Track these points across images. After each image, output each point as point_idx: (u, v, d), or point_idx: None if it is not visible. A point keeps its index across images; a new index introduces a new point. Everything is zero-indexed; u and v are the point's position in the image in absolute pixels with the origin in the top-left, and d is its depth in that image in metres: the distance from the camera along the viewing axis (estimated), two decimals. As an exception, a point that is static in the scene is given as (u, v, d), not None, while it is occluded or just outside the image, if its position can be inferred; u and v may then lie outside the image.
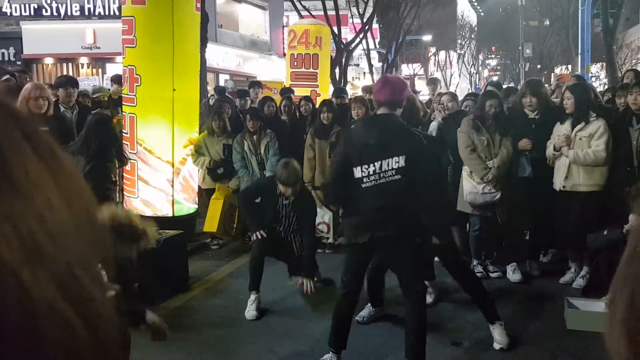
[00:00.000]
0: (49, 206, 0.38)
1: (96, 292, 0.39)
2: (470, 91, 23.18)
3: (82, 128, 5.81)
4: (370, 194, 3.46)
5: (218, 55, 19.43)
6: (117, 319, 0.42)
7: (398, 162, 3.39)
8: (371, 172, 3.45)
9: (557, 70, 38.14)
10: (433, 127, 5.96)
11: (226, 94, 9.97)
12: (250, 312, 4.69)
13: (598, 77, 26.97)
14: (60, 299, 0.36)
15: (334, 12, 18.20)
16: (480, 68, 52.59)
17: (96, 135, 4.72)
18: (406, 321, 3.69)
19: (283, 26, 24.74)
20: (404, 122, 3.62)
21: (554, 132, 5.26)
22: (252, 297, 4.77)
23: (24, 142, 0.39)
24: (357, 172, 3.51)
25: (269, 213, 4.90)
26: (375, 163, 3.44)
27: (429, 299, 4.87)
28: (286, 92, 9.20)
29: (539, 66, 42.37)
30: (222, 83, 15.66)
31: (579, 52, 25.15)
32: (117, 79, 7.97)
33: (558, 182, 5.17)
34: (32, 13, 17.45)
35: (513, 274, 5.47)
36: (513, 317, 4.62)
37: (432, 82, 8.17)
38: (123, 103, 6.66)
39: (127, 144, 6.59)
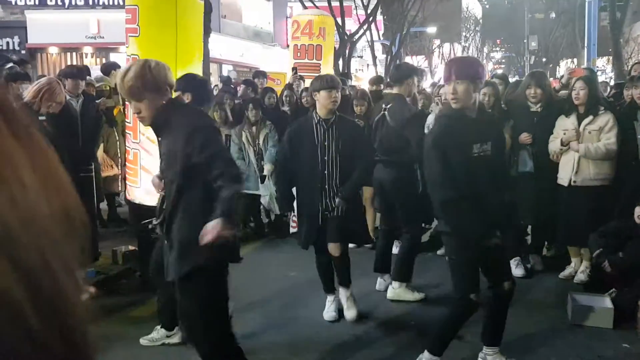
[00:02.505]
0: (22, 187, 0.35)
1: (70, 290, 0.36)
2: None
3: (86, 116, 5.81)
4: (484, 185, 3.38)
5: (221, 46, 19.36)
6: (88, 322, 0.39)
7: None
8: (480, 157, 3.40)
9: (563, 64, 37.93)
10: (430, 120, 5.70)
11: (230, 84, 9.96)
12: (329, 313, 4.53)
13: (604, 71, 26.80)
14: (18, 289, 0.33)
15: (337, 4, 18.11)
16: (485, 61, 52.32)
17: None
18: (490, 309, 3.59)
19: (287, 17, 24.63)
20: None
21: (557, 126, 5.21)
22: (330, 298, 4.58)
23: None
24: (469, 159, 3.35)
25: (306, 152, 4.31)
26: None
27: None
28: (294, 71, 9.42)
29: (544, 59, 42.16)
30: (225, 74, 15.61)
31: (585, 45, 24.98)
32: (109, 67, 7.92)
33: (566, 177, 5.11)
34: (37, 2, 17.40)
35: (516, 269, 5.43)
36: (515, 312, 4.59)
37: None
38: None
39: (130, 133, 6.57)
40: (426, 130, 5.54)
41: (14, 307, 0.33)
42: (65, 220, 0.38)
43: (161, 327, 4.09)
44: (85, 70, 6.22)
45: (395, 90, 5.07)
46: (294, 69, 9.99)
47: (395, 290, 4.89)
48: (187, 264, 2.85)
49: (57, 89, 5.08)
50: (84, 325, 0.37)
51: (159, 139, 3.06)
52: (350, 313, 4.46)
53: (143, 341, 4.09)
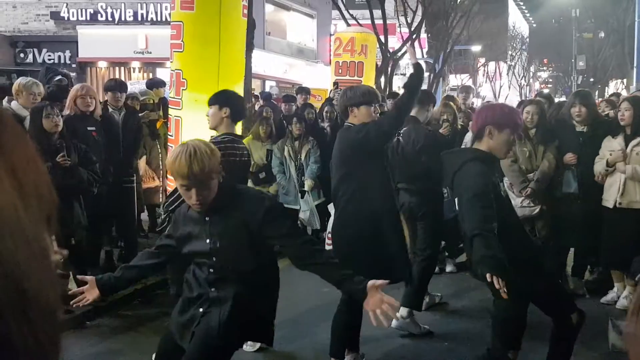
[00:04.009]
0: None
1: (22, 254, 0.38)
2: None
3: (127, 128, 5.97)
4: None
5: (265, 62, 19.64)
6: (57, 288, 0.41)
7: None
8: None
9: (612, 84, 36.96)
10: (468, 138, 5.49)
11: (272, 100, 10.07)
12: None
13: (655, 92, 25.97)
14: None
15: (381, 22, 18.16)
16: (531, 80, 51.48)
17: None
18: (558, 339, 3.38)
19: (331, 34, 24.83)
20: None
21: (603, 147, 5.08)
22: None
23: None
24: None
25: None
26: None
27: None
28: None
29: (592, 79, 41.23)
30: (267, 89, 15.82)
31: (635, 65, 24.32)
32: (153, 84, 8.14)
33: (612, 199, 4.98)
34: (88, 18, 18.04)
35: (556, 292, 5.29)
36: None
37: (464, 90, 7.81)
38: (170, 106, 6.80)
39: (172, 146, 6.71)
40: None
41: None
42: (34, 200, 0.40)
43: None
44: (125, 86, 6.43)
45: (412, 113, 4.60)
46: (335, 84, 10.01)
47: (404, 322, 4.45)
48: None
49: (85, 85, 5.42)
50: (42, 286, 0.39)
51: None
52: None
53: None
